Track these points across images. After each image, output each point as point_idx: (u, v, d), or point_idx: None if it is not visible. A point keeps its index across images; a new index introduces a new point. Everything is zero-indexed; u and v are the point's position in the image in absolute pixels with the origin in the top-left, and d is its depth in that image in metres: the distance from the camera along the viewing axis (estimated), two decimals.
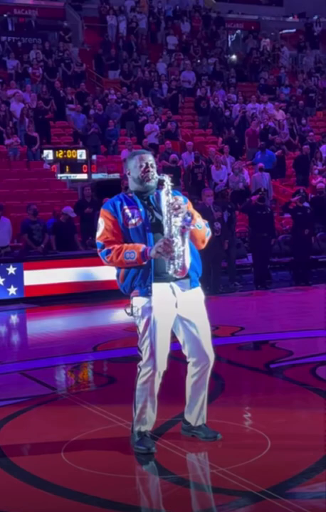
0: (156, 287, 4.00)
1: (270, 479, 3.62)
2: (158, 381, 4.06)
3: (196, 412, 4.22)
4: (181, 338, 4.15)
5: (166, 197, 3.97)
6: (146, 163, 4.09)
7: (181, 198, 4.05)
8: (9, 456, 4.18)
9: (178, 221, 3.93)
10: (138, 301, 4.04)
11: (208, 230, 4.15)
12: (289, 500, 3.37)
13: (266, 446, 4.09)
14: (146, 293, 4.00)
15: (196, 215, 4.07)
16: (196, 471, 4.01)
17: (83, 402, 5.21)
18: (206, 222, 4.17)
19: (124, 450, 4.12)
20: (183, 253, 3.94)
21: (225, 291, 11.38)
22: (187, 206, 4.05)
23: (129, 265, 3.99)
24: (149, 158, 4.13)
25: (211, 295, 10.59)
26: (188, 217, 3.95)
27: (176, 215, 3.93)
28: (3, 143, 15.59)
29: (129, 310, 4.09)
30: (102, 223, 4.09)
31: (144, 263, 3.96)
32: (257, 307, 10.73)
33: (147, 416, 4.09)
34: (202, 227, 4.08)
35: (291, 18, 27.46)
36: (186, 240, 3.96)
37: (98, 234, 4.10)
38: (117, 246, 3.99)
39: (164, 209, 3.98)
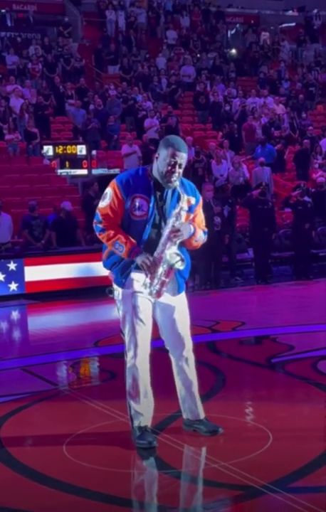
0: (137, 277, 4.00)
1: (272, 473, 3.61)
2: (145, 364, 4.04)
3: (189, 406, 4.20)
4: (159, 323, 4.15)
5: (174, 218, 3.90)
6: (175, 162, 3.88)
7: (192, 201, 4.00)
8: (11, 451, 4.18)
9: (172, 249, 3.90)
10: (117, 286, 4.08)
11: (204, 237, 4.13)
12: (291, 494, 3.37)
13: (268, 440, 4.09)
14: (120, 284, 4.03)
15: (200, 220, 4.08)
16: (198, 465, 4.01)
17: (84, 397, 5.21)
18: (206, 229, 4.15)
19: (125, 445, 4.12)
20: (163, 284, 3.93)
21: (226, 286, 11.38)
22: (195, 209, 4.04)
23: (115, 251, 4.00)
24: (182, 156, 3.89)
25: (211, 290, 10.63)
26: (192, 232, 3.93)
27: (174, 244, 3.91)
28: (3, 139, 15.56)
29: (111, 294, 4.11)
30: (109, 197, 3.99)
31: (128, 259, 3.96)
32: (258, 302, 10.73)
33: (143, 405, 4.06)
34: (198, 241, 4.09)
35: (291, 11, 27.38)
36: (172, 274, 3.94)
37: (101, 205, 4.01)
38: (111, 231, 3.96)
39: (166, 230, 3.92)
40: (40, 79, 18.19)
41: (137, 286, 4.01)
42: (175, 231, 3.90)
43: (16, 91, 16.60)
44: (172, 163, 3.89)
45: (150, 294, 3.96)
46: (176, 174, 3.92)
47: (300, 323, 8.22)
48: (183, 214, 3.95)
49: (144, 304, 4.04)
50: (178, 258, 3.91)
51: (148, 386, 4.08)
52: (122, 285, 4.03)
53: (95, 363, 6.85)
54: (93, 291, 10.79)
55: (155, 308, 4.10)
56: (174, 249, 3.94)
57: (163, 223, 3.97)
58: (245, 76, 22.09)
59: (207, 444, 4.12)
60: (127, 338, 4.05)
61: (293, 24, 26.58)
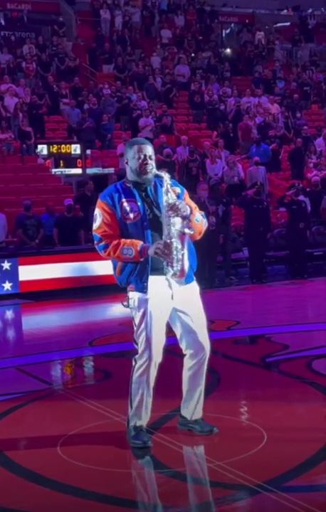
0: (153, 280, 3.99)
1: (267, 473, 3.61)
2: (154, 373, 4.05)
3: (192, 406, 4.21)
4: (177, 331, 4.14)
5: (165, 196, 3.92)
6: (145, 155, 4.01)
7: (177, 190, 4.03)
8: (5, 451, 4.17)
9: (177, 222, 3.90)
10: (134, 294, 4.04)
11: (205, 220, 4.14)
12: (285, 493, 3.37)
13: (262, 439, 4.09)
14: (142, 289, 3.99)
15: (193, 206, 4.06)
16: (192, 465, 4.01)
17: (79, 397, 5.20)
18: (203, 212, 4.16)
19: (120, 444, 4.12)
20: (183, 257, 3.91)
21: (221, 286, 11.37)
22: (184, 197, 4.04)
23: (126, 260, 3.99)
24: (148, 149, 4.05)
25: (206, 289, 10.60)
26: (188, 212, 3.92)
27: (176, 216, 3.89)
28: None
29: (125, 302, 4.09)
30: (99, 216, 4.05)
31: (142, 260, 3.95)
32: (252, 301, 10.73)
33: (144, 409, 4.08)
34: (200, 221, 4.06)
35: (285, 11, 27.44)
36: (185, 244, 3.93)
37: (95, 226, 4.06)
38: (114, 241, 3.97)
39: (163, 209, 3.92)
40: (35, 78, 18.17)
41: (152, 294, 3.98)
42: (171, 206, 3.89)
43: (9, 90, 16.57)
44: (142, 156, 4.02)
45: (174, 275, 3.93)
46: (149, 166, 4.01)
47: (294, 323, 8.23)
48: (174, 197, 3.94)
49: (160, 312, 4.02)
50: (182, 222, 3.89)
51: (152, 392, 4.07)
52: (144, 290, 3.98)
53: (90, 362, 6.84)
54: (88, 291, 10.81)
55: (172, 316, 4.08)
56: (178, 222, 3.91)
57: (158, 214, 3.97)
58: (239, 75, 22.11)
59: (202, 443, 4.12)
60: (140, 347, 4.02)
61: (288, 23, 26.62)
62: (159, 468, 3.83)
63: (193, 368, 4.15)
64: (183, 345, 4.16)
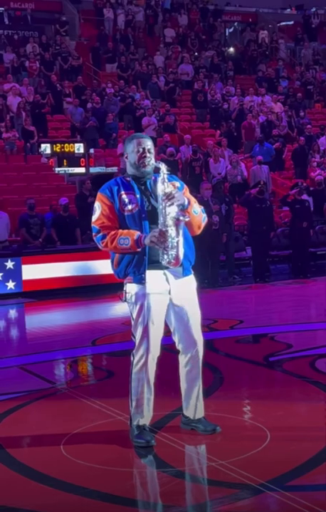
0: (150, 274, 4.00)
1: (270, 472, 3.61)
2: (153, 368, 4.05)
3: (192, 404, 4.21)
4: (171, 325, 4.15)
5: (162, 186, 3.95)
6: (143, 148, 4.06)
7: (177, 184, 4.05)
8: (9, 449, 4.18)
9: (172, 211, 3.92)
10: (132, 288, 4.05)
11: (205, 215, 4.16)
12: (288, 492, 3.37)
13: (266, 438, 4.09)
14: (140, 280, 4.01)
15: (193, 200, 4.08)
16: (195, 464, 4.01)
17: (82, 396, 5.21)
18: (202, 207, 4.17)
19: (123, 444, 4.12)
20: (178, 244, 3.94)
21: (224, 285, 11.38)
22: (183, 192, 4.05)
23: (123, 251, 4.00)
24: (147, 143, 4.09)
25: (209, 288, 10.63)
26: (186, 203, 3.94)
27: (171, 205, 3.91)
28: (0, 137, 15.55)
29: (122, 297, 4.09)
30: (98, 208, 4.09)
31: (138, 250, 3.96)
32: (256, 300, 10.73)
33: (145, 407, 4.07)
34: (198, 213, 4.08)
35: (289, 10, 27.41)
36: (181, 231, 3.95)
37: (94, 218, 4.09)
38: (112, 232, 4.00)
39: (160, 198, 3.96)
40: (38, 77, 18.17)
41: (150, 288, 3.99)
42: (167, 195, 3.91)
43: (13, 89, 16.57)
44: (141, 150, 4.06)
45: (169, 263, 3.94)
46: (148, 159, 4.05)
47: (298, 322, 8.22)
48: (170, 186, 3.96)
49: (158, 306, 4.03)
50: (177, 210, 3.91)
51: (152, 388, 4.07)
52: (142, 281, 3.99)
53: (93, 361, 6.84)
54: (91, 290, 10.81)
55: (168, 311, 4.09)
56: (174, 210, 3.92)
57: (157, 206, 3.99)
58: (243, 74, 22.09)
59: (205, 442, 4.12)
60: (137, 341, 4.04)
61: (291, 22, 26.60)
62: (162, 467, 3.83)
63: (188, 364, 4.16)
64: (176, 339, 4.17)
